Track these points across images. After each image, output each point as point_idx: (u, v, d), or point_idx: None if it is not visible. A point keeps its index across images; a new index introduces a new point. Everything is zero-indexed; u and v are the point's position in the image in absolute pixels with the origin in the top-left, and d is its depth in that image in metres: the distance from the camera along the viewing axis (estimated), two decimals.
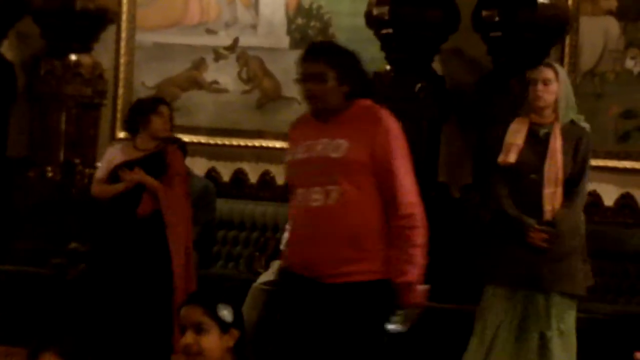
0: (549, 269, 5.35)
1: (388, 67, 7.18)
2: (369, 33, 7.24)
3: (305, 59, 4.11)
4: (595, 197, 7.09)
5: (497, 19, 6.92)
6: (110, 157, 6.45)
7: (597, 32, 7.29)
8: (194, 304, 3.39)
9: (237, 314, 3.37)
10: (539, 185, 5.39)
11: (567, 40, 7.28)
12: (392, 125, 4.05)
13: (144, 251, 6.15)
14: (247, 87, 7.84)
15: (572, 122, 5.47)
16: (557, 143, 5.38)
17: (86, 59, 7.72)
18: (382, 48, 7.21)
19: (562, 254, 5.37)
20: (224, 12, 7.87)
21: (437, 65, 7.33)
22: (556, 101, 5.42)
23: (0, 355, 6.45)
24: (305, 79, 4.07)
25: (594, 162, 7.05)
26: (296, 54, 7.72)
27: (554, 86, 5.41)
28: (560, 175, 5.36)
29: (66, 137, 7.58)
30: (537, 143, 5.43)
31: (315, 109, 4.09)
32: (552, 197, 5.37)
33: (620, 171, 7.27)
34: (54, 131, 7.62)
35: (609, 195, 7.18)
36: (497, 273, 5.46)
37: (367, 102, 4.10)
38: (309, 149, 4.05)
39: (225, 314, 3.32)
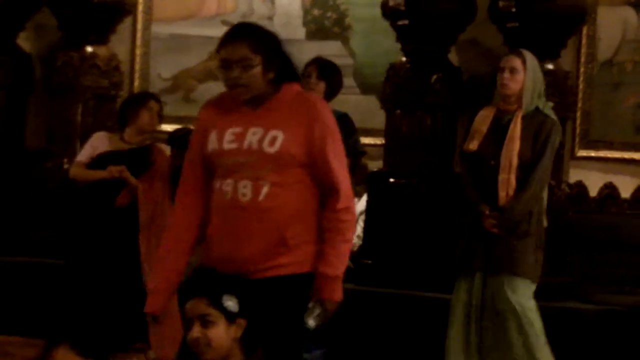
0: (500, 252, 5.42)
1: (404, 59, 7.16)
2: (385, 24, 7.22)
3: (226, 43, 3.79)
4: (611, 189, 7.06)
5: (513, 9, 6.88)
6: (96, 143, 6.50)
7: (615, 22, 7.26)
8: (199, 296, 3.38)
9: (243, 303, 3.36)
10: (496, 172, 5.46)
11: (585, 31, 7.24)
12: (328, 115, 3.86)
13: (118, 241, 6.21)
14: None
15: (537, 109, 5.50)
16: (516, 130, 5.46)
17: (103, 51, 7.73)
18: (398, 39, 7.19)
19: (513, 238, 5.44)
20: (240, 4, 7.87)
21: (453, 56, 7.30)
22: (522, 89, 5.44)
23: (18, 346, 6.48)
24: (227, 65, 3.76)
25: (610, 154, 7.08)
26: (312, 45, 7.76)
27: (521, 75, 5.50)
28: (515, 161, 5.43)
29: (83, 129, 7.59)
30: (499, 130, 5.51)
31: (240, 98, 3.81)
32: (506, 183, 5.45)
33: (638, 163, 7.23)
34: (70, 122, 7.64)
35: (626, 187, 7.13)
36: (461, 260, 5.58)
37: (296, 88, 3.87)
38: (238, 139, 3.80)
39: (231, 304, 3.32)
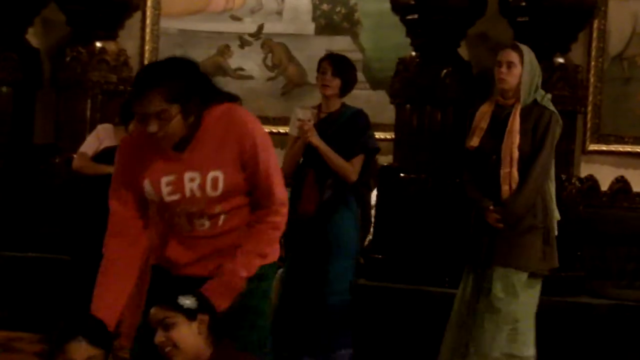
0: (502, 246, 5.41)
1: (414, 53, 7.14)
2: (395, 19, 7.20)
3: (139, 97, 3.52)
4: (623, 183, 7.03)
5: (524, 3, 6.86)
6: (102, 135, 6.45)
7: (626, 16, 7.23)
8: (154, 306, 3.44)
9: (201, 299, 3.37)
10: (497, 166, 5.43)
11: (595, 25, 7.22)
12: (254, 129, 3.69)
13: None
14: (272, 74, 7.83)
15: (535, 102, 5.48)
16: (515, 124, 5.44)
17: (111, 46, 7.72)
18: (408, 34, 7.17)
19: (517, 232, 5.42)
20: None
21: (463, 51, 7.28)
22: (519, 83, 5.42)
23: (27, 342, 6.47)
24: (143, 119, 3.54)
25: (620, 148, 7.06)
26: (322, 40, 7.75)
27: (518, 69, 5.48)
28: (515, 155, 5.41)
29: (91, 124, 7.56)
30: (498, 125, 5.49)
31: (165, 145, 3.63)
32: (508, 176, 5.43)
33: None
34: (79, 118, 7.63)
35: (638, 180, 7.10)
36: (466, 256, 5.59)
37: (217, 111, 3.66)
38: (177, 189, 3.67)
39: (188, 302, 3.32)
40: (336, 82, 6.03)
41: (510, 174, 5.40)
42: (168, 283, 3.80)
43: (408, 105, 7.09)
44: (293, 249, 6.07)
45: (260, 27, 7.84)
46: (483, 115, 5.57)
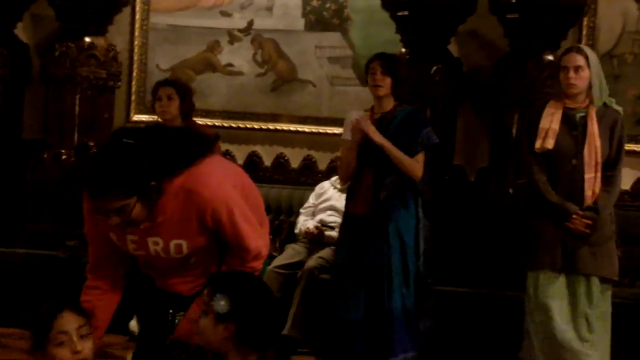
0: (590, 254, 5.37)
1: (404, 50, 7.13)
2: (385, 15, 7.19)
3: (95, 199, 3.47)
4: None
5: (514, 0, 6.86)
6: None
7: (616, 13, 7.24)
8: (208, 285, 3.39)
9: (236, 306, 3.28)
10: (579, 171, 5.37)
11: (585, 22, 7.23)
12: (211, 196, 3.63)
13: None
14: (261, 70, 7.81)
15: (605, 105, 5.45)
16: (594, 127, 5.38)
17: (100, 41, 7.69)
18: (398, 30, 7.16)
19: (602, 239, 5.39)
20: None
21: (453, 48, 7.28)
22: (589, 86, 5.39)
23: (15, 338, 6.45)
24: (104, 214, 3.51)
25: None
26: (311, 36, 7.73)
27: (586, 72, 5.41)
28: (600, 159, 5.36)
29: (80, 120, 7.55)
30: (573, 128, 5.42)
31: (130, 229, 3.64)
32: (592, 182, 5.37)
33: (638, 155, 7.21)
34: (68, 113, 7.59)
35: (626, 179, 7.10)
36: (538, 259, 5.46)
37: (178, 184, 3.60)
38: (141, 247, 3.72)
39: (222, 304, 3.28)
40: (387, 81, 5.94)
41: (595, 178, 5.35)
42: (152, 293, 3.91)
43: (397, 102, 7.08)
44: (348, 248, 6.00)
45: (250, 23, 7.82)
46: (552, 116, 5.46)
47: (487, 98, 7.20)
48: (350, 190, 6.03)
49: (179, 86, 6.46)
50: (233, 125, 7.82)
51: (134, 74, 7.89)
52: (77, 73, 7.56)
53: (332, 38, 7.72)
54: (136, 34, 7.92)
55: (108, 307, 3.86)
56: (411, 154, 5.88)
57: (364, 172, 5.94)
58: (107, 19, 7.76)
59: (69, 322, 3.40)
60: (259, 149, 7.78)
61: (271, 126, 7.77)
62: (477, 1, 7.07)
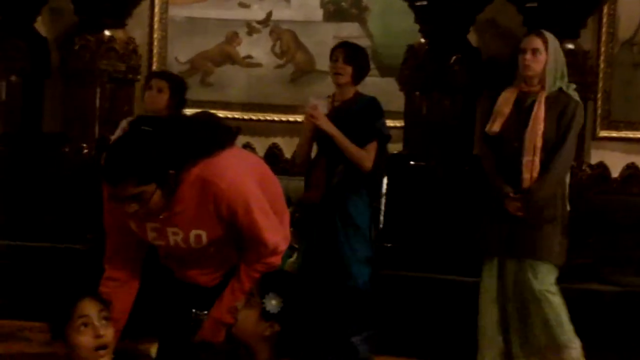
0: (523, 237, 5.39)
1: (423, 40, 7.11)
2: (403, 5, 7.17)
3: (111, 185, 3.49)
4: (633, 170, 7.01)
5: None
6: (125, 128, 6.44)
7: (636, 1, 7.20)
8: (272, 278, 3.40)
9: (285, 309, 3.26)
10: (519, 154, 5.38)
11: (605, 10, 7.19)
12: (227, 188, 3.63)
13: None
14: (280, 61, 7.81)
15: (561, 90, 5.44)
16: (540, 111, 5.40)
17: (120, 34, 7.70)
18: (417, 20, 7.14)
19: (538, 222, 5.38)
20: None
21: (472, 37, 7.25)
22: (544, 70, 5.38)
23: (36, 331, 6.48)
24: (120, 200, 3.51)
25: (631, 134, 7.03)
26: (330, 26, 7.72)
27: (543, 56, 5.44)
28: (539, 143, 5.38)
29: (100, 113, 7.57)
30: (522, 112, 5.47)
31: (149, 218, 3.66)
32: (530, 164, 5.39)
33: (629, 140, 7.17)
34: (88, 107, 7.61)
35: (617, 165, 7.07)
36: (485, 244, 5.55)
37: (196, 174, 3.61)
38: (161, 237, 3.73)
39: (273, 304, 3.26)
40: (348, 70, 6.02)
41: (532, 162, 5.36)
42: (172, 285, 3.91)
43: (417, 92, 7.07)
44: (305, 237, 6.07)
45: (269, 14, 7.81)
46: (506, 100, 5.52)
47: (506, 87, 7.16)
48: (306, 177, 6.08)
49: (171, 80, 6.41)
50: (253, 117, 7.82)
51: (154, 67, 7.90)
52: (96, 66, 7.57)
53: (351, 28, 7.71)
54: (155, 26, 7.94)
55: (126, 298, 3.86)
56: (363, 143, 5.91)
57: (318, 160, 6.02)
58: (125, 12, 7.77)
59: (90, 306, 3.40)
60: (279, 140, 7.78)
61: (291, 118, 7.76)
62: None
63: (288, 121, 7.76)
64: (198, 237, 3.70)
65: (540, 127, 5.37)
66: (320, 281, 5.91)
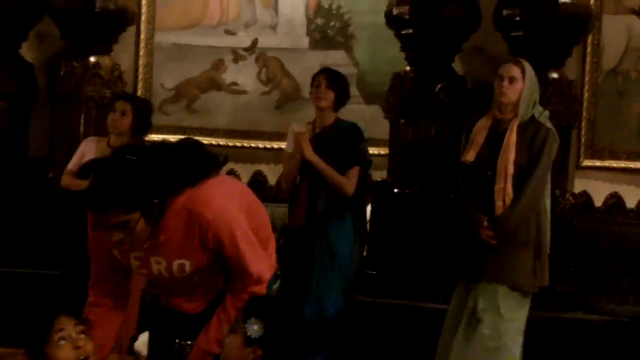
0: (492, 262, 5.39)
1: (408, 68, 7.14)
2: (390, 33, 7.20)
3: (97, 213, 3.49)
4: (617, 199, 7.03)
5: (518, 18, 6.87)
6: (83, 149, 6.43)
7: (620, 31, 7.24)
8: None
9: (268, 333, 3.27)
10: (493, 182, 5.42)
11: (590, 39, 7.23)
12: (213, 219, 3.60)
13: None
14: (266, 88, 7.83)
15: (533, 118, 5.47)
16: (511, 139, 5.43)
17: (106, 60, 7.70)
18: (403, 48, 7.17)
19: (508, 248, 5.40)
20: (244, 13, 7.85)
21: (458, 65, 7.28)
22: (519, 99, 5.41)
23: (19, 356, 6.44)
24: (108, 229, 3.50)
25: (615, 164, 7.05)
26: (316, 54, 7.75)
27: (520, 84, 5.47)
28: (511, 170, 5.38)
29: (86, 138, 7.55)
30: (495, 140, 5.48)
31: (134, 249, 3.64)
32: (502, 192, 5.41)
33: None
34: (74, 132, 7.60)
35: (632, 196, 7.10)
36: (460, 271, 5.58)
37: (181, 203, 3.58)
38: (144, 265, 3.71)
39: (255, 329, 3.27)
40: (330, 95, 6.07)
41: (504, 189, 5.38)
42: (158, 312, 3.90)
43: (402, 120, 7.09)
44: (287, 263, 6.07)
45: (255, 42, 7.84)
46: (480, 129, 5.55)
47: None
48: (289, 203, 6.11)
49: (136, 103, 6.39)
50: (238, 144, 7.82)
51: (139, 93, 7.90)
52: (82, 92, 7.58)
53: (337, 56, 7.74)
54: (141, 53, 7.95)
55: (112, 325, 3.85)
56: (344, 169, 5.93)
57: (300, 185, 6.06)
58: (112, 38, 7.78)
59: (65, 321, 3.42)
60: (264, 168, 7.78)
61: (276, 145, 7.76)
62: (482, 19, 7.07)
63: (273, 148, 7.77)
64: (182, 266, 3.69)
65: (512, 154, 5.39)
66: (296, 307, 5.92)
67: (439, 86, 7.05)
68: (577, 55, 7.13)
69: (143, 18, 7.92)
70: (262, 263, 3.77)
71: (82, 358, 3.41)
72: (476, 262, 5.44)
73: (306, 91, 7.67)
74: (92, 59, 7.63)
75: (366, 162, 6.11)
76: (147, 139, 7.74)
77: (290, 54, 7.79)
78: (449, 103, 7.06)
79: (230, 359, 3.32)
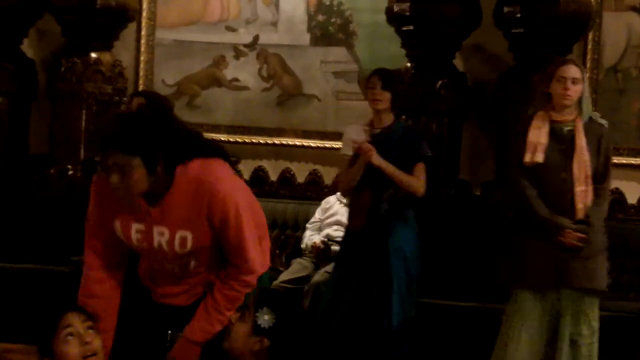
0: (579, 267, 5.31)
1: (409, 64, 7.15)
2: (390, 30, 7.21)
3: (100, 149, 3.57)
4: (619, 195, 7.04)
5: (518, 15, 6.88)
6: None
7: (620, 28, 7.25)
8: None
9: (278, 324, 3.29)
10: (568, 184, 5.33)
11: (590, 36, 7.25)
12: (225, 195, 3.64)
13: None
14: (267, 85, 7.83)
15: (591, 119, 5.43)
16: (582, 140, 5.34)
17: (106, 57, 7.71)
18: (403, 45, 7.18)
19: (592, 252, 5.34)
20: (244, 9, 7.85)
21: (458, 62, 7.29)
22: (580, 99, 5.38)
23: (22, 353, 6.45)
24: (106, 170, 3.55)
25: (616, 160, 7.06)
26: (317, 50, 7.75)
27: (581, 85, 5.37)
28: (590, 172, 5.32)
29: (87, 135, 7.56)
30: (560, 141, 5.37)
31: (127, 200, 3.63)
32: (583, 195, 5.31)
33: None
34: (74, 129, 7.61)
35: (632, 193, 7.12)
36: (524, 276, 5.39)
37: (192, 170, 3.64)
38: (145, 238, 3.71)
39: (265, 319, 3.28)
40: (386, 96, 6.00)
41: (586, 192, 5.31)
42: (148, 307, 3.90)
43: (403, 117, 7.09)
44: (344, 264, 6.03)
45: (256, 38, 7.84)
46: (540, 130, 5.39)
47: (492, 112, 7.21)
48: (350, 206, 6.06)
49: (149, 97, 6.41)
50: (239, 139, 7.83)
51: (140, 89, 7.90)
52: (83, 89, 7.58)
53: (338, 53, 7.74)
54: (142, 49, 7.95)
55: (109, 310, 3.82)
56: (410, 168, 5.91)
57: (362, 188, 5.97)
58: (112, 35, 7.79)
59: (73, 317, 3.45)
60: (264, 163, 7.79)
61: (277, 141, 7.78)
62: (482, 15, 7.08)
63: (274, 144, 7.78)
64: (183, 239, 3.67)
65: (587, 156, 5.32)
66: (354, 313, 5.89)
67: (440, 83, 7.06)
68: (577, 52, 7.14)
69: (144, 14, 7.91)
70: (258, 255, 3.78)
71: (89, 354, 3.42)
72: (557, 268, 5.32)
73: (307, 87, 7.71)
74: (93, 56, 7.63)
75: (429, 159, 6.06)
76: None
77: (291, 50, 7.79)
78: (449, 100, 7.07)
79: (236, 346, 3.34)
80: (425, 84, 7.05)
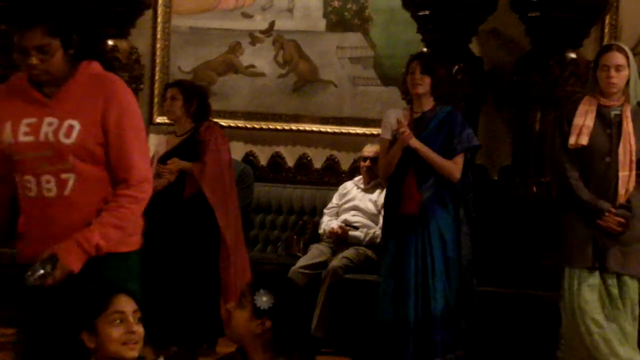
0: (620, 252, 5.31)
1: (425, 49, 7.13)
2: (406, 15, 7.19)
3: (21, 29, 3.54)
4: None
5: None
6: (157, 149, 6.47)
7: (638, 11, 7.21)
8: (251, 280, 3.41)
9: (277, 303, 3.28)
10: (612, 168, 5.31)
11: (607, 20, 7.21)
12: (125, 98, 3.64)
13: (191, 230, 6.15)
14: (283, 71, 7.83)
15: (639, 104, 5.40)
16: (629, 126, 5.31)
17: (123, 44, 7.73)
18: (419, 30, 7.16)
19: (631, 238, 5.32)
20: None
21: (474, 46, 7.27)
22: (627, 84, 5.35)
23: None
24: (24, 52, 3.55)
25: None
26: (333, 36, 7.75)
27: (626, 71, 5.33)
28: (634, 157, 5.29)
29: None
30: (607, 125, 5.35)
31: (38, 81, 3.61)
32: (626, 180, 5.29)
33: None
34: None
35: None
36: (572, 256, 5.39)
37: (94, 68, 3.67)
38: (34, 131, 3.62)
39: (264, 300, 3.29)
40: (426, 80, 5.97)
41: (629, 177, 5.28)
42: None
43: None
44: (395, 249, 6.00)
45: (272, 24, 7.84)
46: (586, 113, 5.36)
47: (509, 96, 7.19)
48: (393, 190, 6.04)
49: (183, 87, 6.41)
50: (256, 126, 7.84)
51: (157, 76, 7.93)
52: None
53: (354, 38, 7.74)
54: (158, 36, 7.97)
55: None
56: (450, 155, 5.92)
57: (407, 172, 5.96)
58: (129, 22, 7.80)
59: (127, 303, 3.42)
60: (282, 149, 7.81)
61: (294, 127, 7.79)
62: (498, 0, 7.06)
63: (291, 130, 7.79)
64: (70, 127, 3.58)
65: (633, 141, 5.29)
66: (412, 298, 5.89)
67: (456, 67, 7.04)
68: (594, 35, 7.11)
69: (160, 1, 7.95)
70: (147, 169, 3.71)
71: (130, 342, 3.41)
72: (599, 251, 5.31)
73: (323, 73, 7.71)
74: (110, 43, 7.66)
75: (473, 148, 6.05)
76: (159, 122, 7.79)
77: (307, 36, 7.79)
78: (465, 84, 7.05)
79: (239, 332, 3.34)
80: (441, 69, 7.02)
